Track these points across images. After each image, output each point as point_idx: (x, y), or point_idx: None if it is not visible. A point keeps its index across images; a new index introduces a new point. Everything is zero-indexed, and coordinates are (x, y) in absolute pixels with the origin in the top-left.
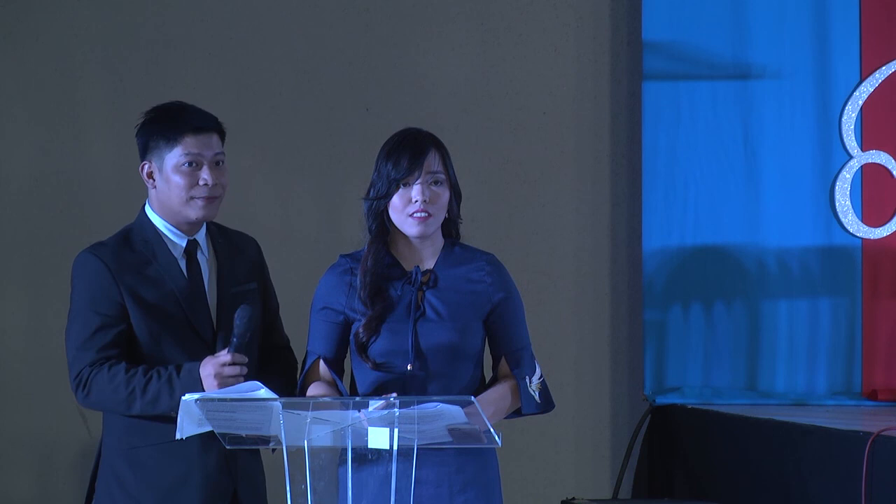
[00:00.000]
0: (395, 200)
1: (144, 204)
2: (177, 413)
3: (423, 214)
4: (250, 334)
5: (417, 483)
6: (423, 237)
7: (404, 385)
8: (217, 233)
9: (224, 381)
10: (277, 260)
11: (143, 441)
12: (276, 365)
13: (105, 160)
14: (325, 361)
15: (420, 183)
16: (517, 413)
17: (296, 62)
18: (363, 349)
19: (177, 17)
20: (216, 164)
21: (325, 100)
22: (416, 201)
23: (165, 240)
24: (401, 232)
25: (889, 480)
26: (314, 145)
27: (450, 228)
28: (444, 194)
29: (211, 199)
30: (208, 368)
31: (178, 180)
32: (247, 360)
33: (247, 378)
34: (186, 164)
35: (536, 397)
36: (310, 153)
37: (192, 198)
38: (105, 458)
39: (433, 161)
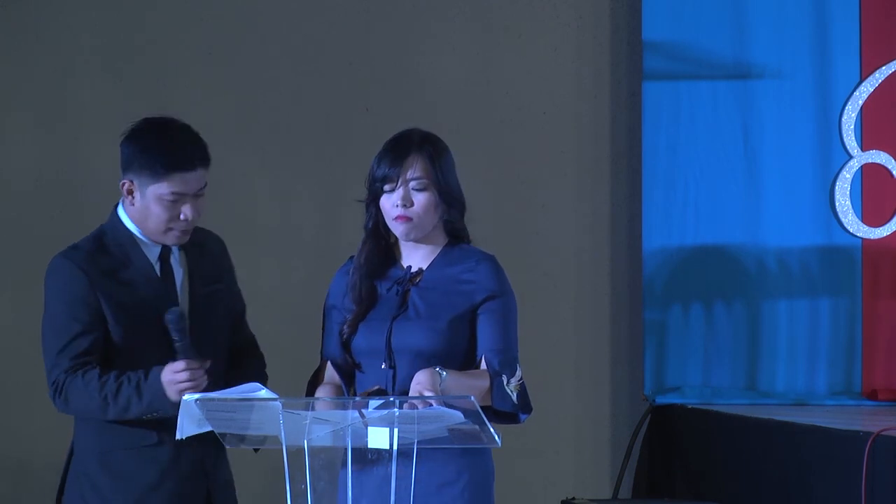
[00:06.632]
0: (383, 203)
1: (117, 205)
2: (149, 417)
3: (403, 219)
4: (189, 336)
5: (402, 480)
6: (409, 240)
7: (377, 384)
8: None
9: (178, 387)
10: (277, 260)
11: (114, 444)
12: (243, 369)
13: (105, 160)
14: (333, 363)
15: (401, 187)
16: (493, 414)
17: (296, 62)
18: (346, 347)
19: (177, 17)
20: (197, 197)
21: (325, 100)
22: (397, 205)
23: (140, 243)
24: None
25: (889, 480)
26: (314, 145)
27: (455, 230)
28: (427, 199)
29: (188, 231)
30: (166, 375)
31: (158, 211)
32: (198, 362)
33: (215, 378)
34: (169, 201)
35: (514, 398)
36: (310, 153)
37: (170, 229)
38: (77, 459)
39: (414, 166)
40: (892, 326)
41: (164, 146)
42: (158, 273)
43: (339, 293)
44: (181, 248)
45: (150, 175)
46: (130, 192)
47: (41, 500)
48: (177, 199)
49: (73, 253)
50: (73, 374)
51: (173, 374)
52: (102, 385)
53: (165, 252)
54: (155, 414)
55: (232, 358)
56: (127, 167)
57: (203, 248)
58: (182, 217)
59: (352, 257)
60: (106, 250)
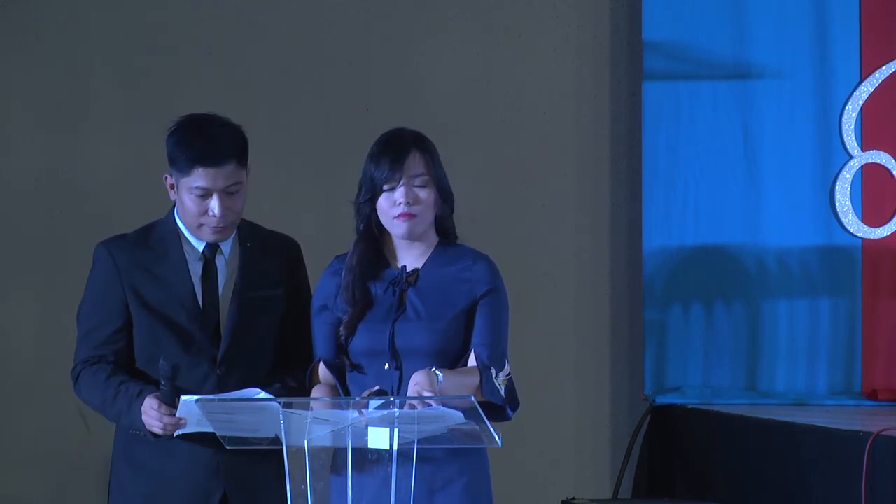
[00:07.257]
0: (381, 203)
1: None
2: (137, 431)
3: (407, 216)
4: (174, 385)
5: (402, 481)
6: (410, 238)
7: (381, 385)
8: (249, 234)
9: (146, 422)
10: None
11: (136, 437)
12: (287, 369)
13: (105, 160)
14: (326, 363)
15: (403, 185)
16: (487, 410)
17: (296, 62)
18: (343, 348)
19: (178, 17)
20: (228, 194)
21: (325, 100)
22: (400, 203)
23: (183, 240)
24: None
25: (889, 480)
26: (314, 145)
27: (445, 228)
28: (428, 195)
29: (220, 228)
30: (144, 405)
31: (189, 205)
32: (174, 415)
33: (248, 385)
34: (197, 196)
35: (501, 391)
36: (310, 153)
37: (201, 224)
38: (114, 455)
39: (415, 163)
40: (892, 326)
41: (191, 141)
42: (199, 270)
43: (329, 294)
44: (239, 248)
45: (179, 169)
46: (172, 187)
47: (72, 500)
48: (204, 194)
49: (114, 243)
50: (89, 367)
51: (147, 408)
52: (105, 387)
53: (211, 250)
54: (138, 433)
55: (280, 362)
56: (168, 161)
57: (266, 251)
58: (211, 213)
59: (337, 257)
60: (147, 243)
